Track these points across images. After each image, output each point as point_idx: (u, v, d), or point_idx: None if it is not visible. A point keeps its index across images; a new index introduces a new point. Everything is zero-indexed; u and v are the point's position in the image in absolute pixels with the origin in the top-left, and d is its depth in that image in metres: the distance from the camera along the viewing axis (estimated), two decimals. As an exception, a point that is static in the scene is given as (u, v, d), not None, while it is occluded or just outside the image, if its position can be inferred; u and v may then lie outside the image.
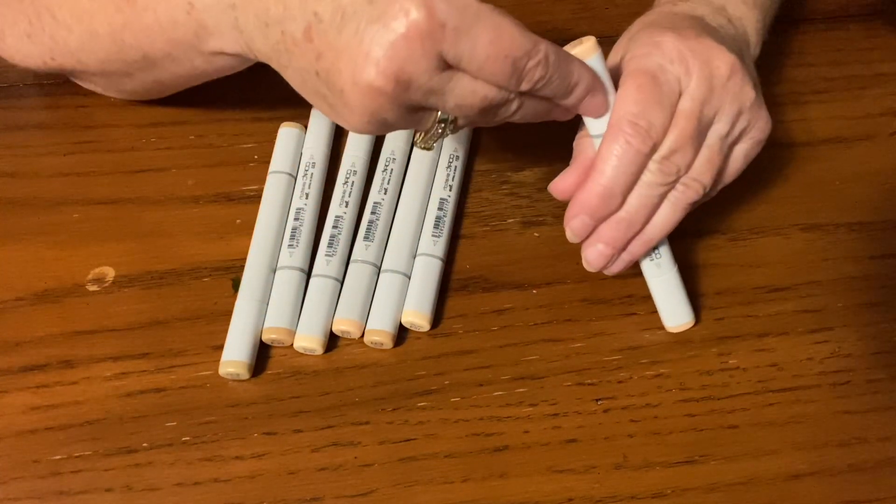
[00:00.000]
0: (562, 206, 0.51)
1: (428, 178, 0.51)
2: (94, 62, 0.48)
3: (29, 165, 0.53)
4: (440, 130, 0.40)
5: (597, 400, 0.46)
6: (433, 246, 0.49)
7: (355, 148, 0.52)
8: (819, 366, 0.47)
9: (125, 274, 0.49)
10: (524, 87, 0.38)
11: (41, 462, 0.44)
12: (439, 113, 0.39)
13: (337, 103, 0.39)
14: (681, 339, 0.47)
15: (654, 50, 0.42)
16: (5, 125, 0.54)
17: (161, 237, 0.50)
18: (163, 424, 0.45)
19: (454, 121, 0.40)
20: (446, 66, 0.37)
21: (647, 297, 0.48)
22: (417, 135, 0.42)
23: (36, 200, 0.51)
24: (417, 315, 0.47)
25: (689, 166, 0.43)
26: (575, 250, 0.46)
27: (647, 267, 0.46)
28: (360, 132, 0.41)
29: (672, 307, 0.47)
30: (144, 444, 0.44)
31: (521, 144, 0.53)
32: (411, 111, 0.39)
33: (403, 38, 0.36)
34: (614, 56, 0.45)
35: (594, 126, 0.43)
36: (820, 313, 0.48)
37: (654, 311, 0.48)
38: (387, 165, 0.51)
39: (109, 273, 0.49)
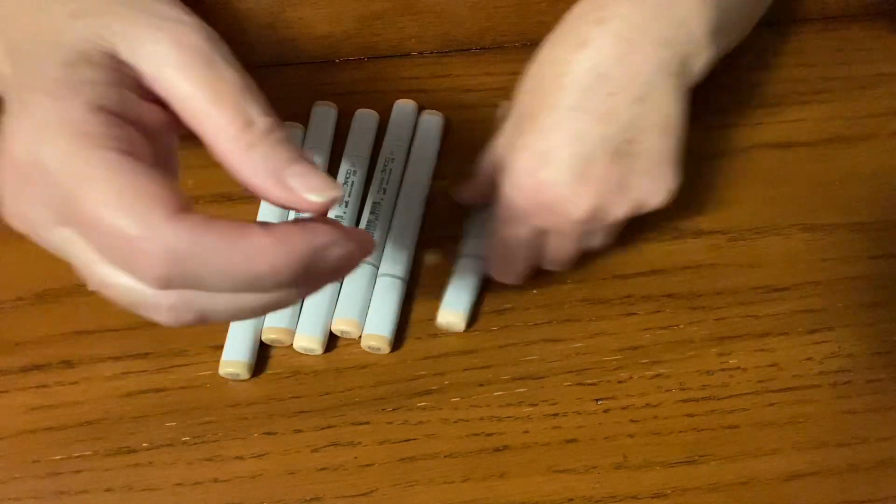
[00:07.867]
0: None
1: (428, 177, 0.51)
2: None
3: (29, 165, 0.53)
4: None
5: (597, 400, 0.46)
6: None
7: (355, 148, 0.52)
8: (819, 366, 0.47)
9: (125, 274, 0.49)
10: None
11: (41, 462, 0.44)
12: None
13: None
14: (681, 339, 0.47)
15: None
16: (5, 125, 0.54)
17: (161, 237, 0.50)
18: (163, 424, 0.45)
19: None
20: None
21: (648, 298, 0.48)
22: None
23: (36, 200, 0.51)
24: (453, 314, 0.47)
25: None
26: (575, 250, 0.46)
27: None
28: None
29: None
30: (144, 444, 0.44)
31: (521, 144, 0.53)
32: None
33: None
34: None
35: None
36: (820, 313, 0.48)
37: (655, 311, 0.48)
38: (386, 165, 0.51)
39: (109, 273, 0.49)
